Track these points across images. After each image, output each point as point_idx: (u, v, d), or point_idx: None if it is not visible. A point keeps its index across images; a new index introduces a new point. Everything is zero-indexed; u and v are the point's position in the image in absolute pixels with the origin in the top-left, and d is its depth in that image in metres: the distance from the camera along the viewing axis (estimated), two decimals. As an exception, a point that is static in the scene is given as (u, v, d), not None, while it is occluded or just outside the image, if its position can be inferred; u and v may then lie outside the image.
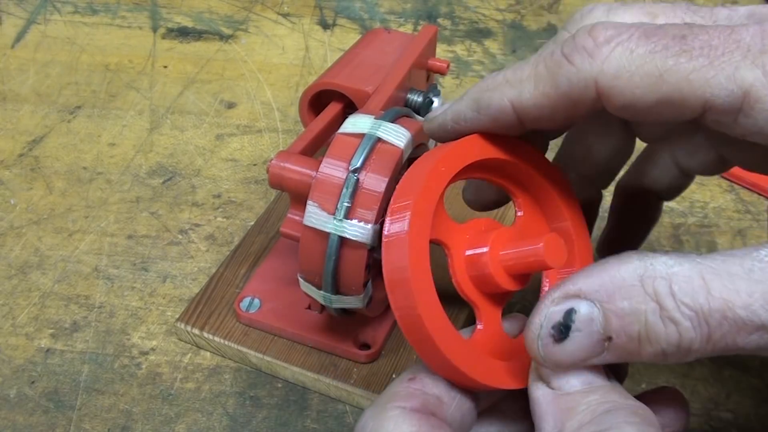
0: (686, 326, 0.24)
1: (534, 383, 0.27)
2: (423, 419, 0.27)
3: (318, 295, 0.38)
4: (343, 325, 0.42)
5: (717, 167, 0.35)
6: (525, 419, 0.29)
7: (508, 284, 0.30)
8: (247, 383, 0.42)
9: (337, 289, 0.37)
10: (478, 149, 0.31)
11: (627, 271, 0.25)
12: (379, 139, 0.36)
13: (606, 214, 0.39)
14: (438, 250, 0.30)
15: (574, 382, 0.26)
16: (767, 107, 0.25)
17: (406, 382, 0.28)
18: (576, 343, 0.26)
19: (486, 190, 0.35)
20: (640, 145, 0.37)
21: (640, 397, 0.29)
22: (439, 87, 0.48)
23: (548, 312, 0.26)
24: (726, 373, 0.43)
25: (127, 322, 0.45)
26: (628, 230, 0.40)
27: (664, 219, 0.51)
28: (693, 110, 0.26)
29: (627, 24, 0.27)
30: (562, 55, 0.27)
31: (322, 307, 0.41)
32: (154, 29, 0.67)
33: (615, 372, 0.28)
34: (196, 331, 0.43)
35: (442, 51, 0.66)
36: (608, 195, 0.39)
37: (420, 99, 0.46)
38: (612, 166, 0.37)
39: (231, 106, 0.60)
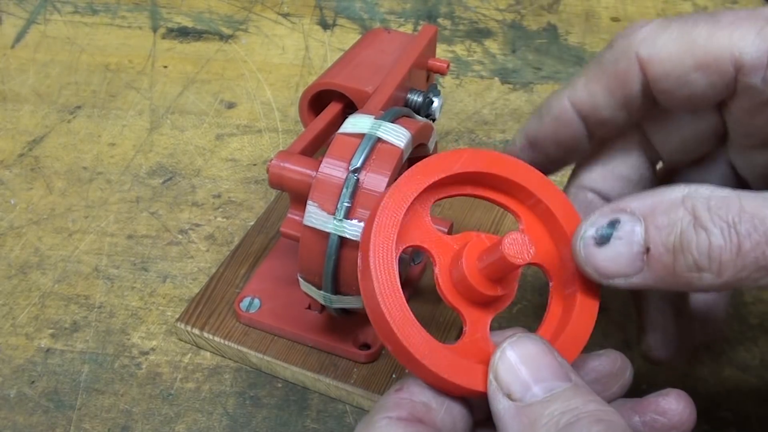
0: (716, 233, 0.25)
1: (495, 396, 0.27)
2: (410, 427, 0.27)
3: (318, 295, 0.38)
4: (343, 325, 0.42)
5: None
6: None
7: (487, 289, 0.30)
8: (247, 383, 0.42)
9: (337, 289, 0.37)
10: (470, 162, 0.31)
11: (673, 193, 0.27)
12: (379, 139, 0.36)
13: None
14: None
15: (535, 390, 0.26)
16: None
17: (393, 393, 0.29)
18: (616, 250, 0.27)
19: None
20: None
21: (646, 399, 0.29)
22: (439, 87, 0.48)
23: (594, 218, 0.28)
24: (726, 373, 0.43)
25: (127, 322, 0.45)
26: None
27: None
28: (725, 71, 0.28)
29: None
30: (605, 48, 0.31)
31: (322, 307, 0.41)
32: (154, 29, 0.67)
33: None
34: (196, 331, 0.43)
35: (442, 51, 0.66)
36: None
37: (420, 99, 0.46)
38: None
39: (231, 106, 0.60)
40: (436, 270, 0.30)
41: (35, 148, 0.55)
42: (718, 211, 0.25)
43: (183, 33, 0.67)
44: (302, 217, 0.36)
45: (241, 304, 0.43)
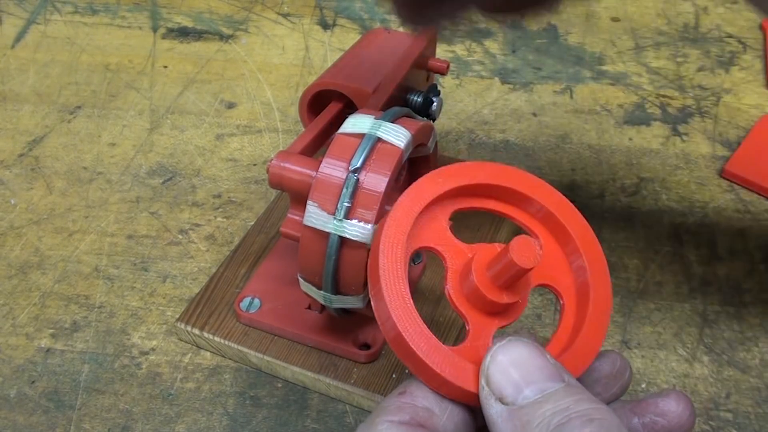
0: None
1: (487, 401, 0.27)
2: (412, 431, 0.27)
3: (318, 295, 0.38)
4: (343, 325, 0.42)
5: None
6: None
7: (495, 295, 0.30)
8: (247, 383, 0.42)
9: (337, 289, 0.37)
10: (483, 174, 0.31)
11: None
12: (379, 139, 0.36)
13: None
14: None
15: (527, 392, 0.26)
16: None
17: (396, 397, 0.29)
18: None
19: None
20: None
21: (645, 400, 0.29)
22: (439, 87, 0.48)
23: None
24: (726, 373, 0.43)
25: (127, 322, 0.45)
26: None
27: (664, 218, 0.52)
28: None
29: None
30: None
31: (322, 307, 0.41)
32: (154, 29, 0.67)
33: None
34: (196, 331, 0.43)
35: (442, 51, 0.66)
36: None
37: (420, 99, 0.46)
38: None
39: (231, 106, 0.60)
40: (447, 274, 0.30)
41: (35, 148, 0.55)
42: None
43: (183, 33, 0.67)
44: (302, 217, 0.36)
45: (241, 304, 0.43)
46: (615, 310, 0.46)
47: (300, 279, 0.38)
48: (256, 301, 0.44)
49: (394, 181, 0.36)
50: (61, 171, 0.54)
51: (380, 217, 0.35)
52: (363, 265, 0.36)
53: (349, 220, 0.35)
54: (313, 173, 0.37)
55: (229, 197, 0.52)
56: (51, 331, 0.44)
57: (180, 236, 0.50)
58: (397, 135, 0.36)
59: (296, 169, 0.38)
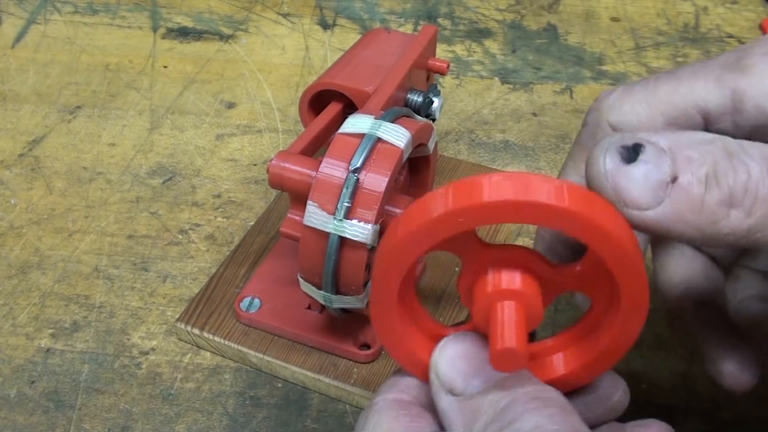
0: (755, 166, 0.24)
1: (437, 393, 0.27)
2: (403, 407, 0.27)
3: (318, 295, 0.38)
4: (343, 325, 0.42)
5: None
6: None
7: None
8: (247, 383, 0.42)
9: (337, 289, 0.37)
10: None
11: (699, 134, 0.25)
12: (379, 139, 0.36)
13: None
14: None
15: (475, 383, 0.26)
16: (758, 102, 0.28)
17: (393, 376, 0.29)
18: (643, 171, 0.24)
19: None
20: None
21: (628, 429, 0.28)
22: (439, 87, 0.48)
23: (617, 137, 0.25)
24: (726, 373, 0.43)
25: (127, 322, 0.45)
26: None
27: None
28: (695, 123, 0.29)
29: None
30: (581, 127, 0.32)
31: (322, 307, 0.41)
32: (154, 29, 0.67)
33: None
34: (196, 331, 0.43)
35: (442, 51, 0.66)
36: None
37: (420, 99, 0.46)
38: None
39: (231, 106, 0.60)
40: (462, 272, 0.28)
41: (35, 148, 0.55)
42: (752, 149, 0.24)
43: (183, 33, 0.67)
44: (302, 217, 0.36)
45: (241, 304, 0.43)
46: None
47: (300, 279, 0.38)
48: (256, 301, 0.44)
49: (394, 181, 0.36)
50: (61, 171, 0.54)
51: (380, 217, 0.35)
52: (363, 265, 0.36)
53: (349, 220, 0.35)
54: (313, 173, 0.37)
55: (229, 197, 0.52)
56: (51, 331, 0.44)
57: (180, 236, 0.50)
58: (397, 135, 0.36)
59: (296, 169, 0.38)
